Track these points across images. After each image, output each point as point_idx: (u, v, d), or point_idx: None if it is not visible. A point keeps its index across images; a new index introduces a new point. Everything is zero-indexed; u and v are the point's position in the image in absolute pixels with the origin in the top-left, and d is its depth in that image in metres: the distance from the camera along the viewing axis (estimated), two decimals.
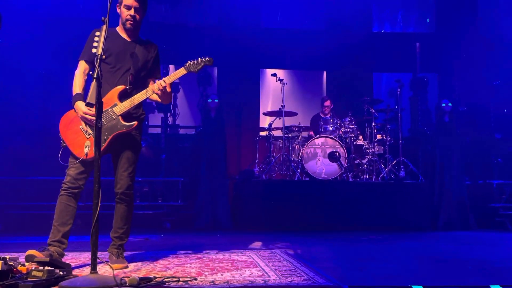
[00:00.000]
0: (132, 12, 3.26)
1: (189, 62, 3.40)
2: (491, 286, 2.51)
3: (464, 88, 8.57)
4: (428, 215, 6.57)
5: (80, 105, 3.13)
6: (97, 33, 2.95)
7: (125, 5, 3.26)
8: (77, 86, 3.23)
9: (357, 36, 8.86)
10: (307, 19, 9.46)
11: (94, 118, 2.78)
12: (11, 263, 2.54)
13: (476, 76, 8.42)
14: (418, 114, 8.48)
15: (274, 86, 8.25)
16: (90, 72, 3.15)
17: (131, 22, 3.27)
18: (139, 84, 3.33)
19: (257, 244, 4.74)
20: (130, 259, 3.47)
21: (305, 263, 3.38)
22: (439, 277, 3.01)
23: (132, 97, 3.24)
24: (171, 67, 7.95)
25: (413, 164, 7.10)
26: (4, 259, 2.49)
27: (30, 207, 6.40)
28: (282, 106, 7.27)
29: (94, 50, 2.80)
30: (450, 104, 7.06)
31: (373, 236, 5.56)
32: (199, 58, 3.41)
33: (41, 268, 2.58)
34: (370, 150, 7.09)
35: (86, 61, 3.27)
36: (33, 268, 2.58)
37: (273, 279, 2.75)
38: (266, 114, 8.02)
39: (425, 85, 8.59)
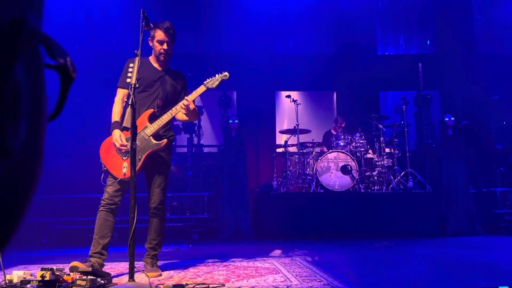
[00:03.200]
0: (164, 46, 3.35)
1: (207, 79, 3.45)
2: (499, 287, 2.46)
3: (465, 103, 8.48)
4: (436, 222, 6.45)
5: (114, 133, 3.20)
6: (131, 64, 3.03)
7: (157, 40, 3.34)
8: (116, 113, 3.30)
9: (363, 58, 8.88)
10: (317, 44, 9.53)
11: (121, 146, 2.89)
12: (58, 273, 2.59)
13: (476, 91, 8.33)
14: (423, 128, 8.40)
15: (289, 106, 8.28)
16: (126, 99, 3.24)
17: (164, 55, 3.37)
18: (167, 109, 3.39)
19: (277, 252, 4.72)
20: (163, 268, 3.49)
21: (323, 269, 3.35)
22: (450, 280, 2.95)
23: (160, 118, 3.31)
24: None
25: (421, 175, 7.01)
26: (51, 270, 2.54)
27: (72, 222, 6.49)
28: (296, 124, 7.29)
29: (128, 80, 2.88)
30: (452, 118, 6.99)
31: (386, 243, 5.48)
32: (216, 75, 3.46)
33: (85, 277, 2.62)
34: (380, 163, 7.03)
35: (124, 87, 3.35)
36: (78, 278, 2.62)
37: (295, 284, 2.73)
38: (282, 132, 8.03)
39: (429, 102, 8.52)
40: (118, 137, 3.17)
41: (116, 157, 3.24)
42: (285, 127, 8.85)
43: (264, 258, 4.08)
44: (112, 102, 3.35)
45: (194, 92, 3.40)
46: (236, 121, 7.04)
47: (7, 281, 2.43)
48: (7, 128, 0.21)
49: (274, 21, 9.05)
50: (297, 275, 3.07)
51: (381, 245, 5.32)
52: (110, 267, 3.52)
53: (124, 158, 3.19)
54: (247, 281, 2.90)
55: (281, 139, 8.58)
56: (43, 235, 6.30)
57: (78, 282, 2.57)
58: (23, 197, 0.25)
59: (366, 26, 9.08)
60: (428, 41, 9.73)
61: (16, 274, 2.52)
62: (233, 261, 3.90)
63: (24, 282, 2.42)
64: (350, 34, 8.98)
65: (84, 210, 6.25)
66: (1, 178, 0.23)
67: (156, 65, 3.44)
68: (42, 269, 2.51)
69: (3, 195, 0.24)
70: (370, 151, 7.33)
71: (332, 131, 7.87)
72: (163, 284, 2.59)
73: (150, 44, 3.42)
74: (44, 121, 0.25)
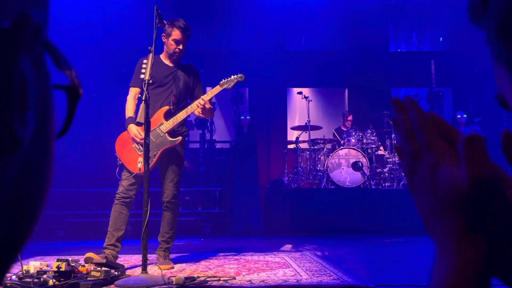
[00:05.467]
0: (180, 46, 3.37)
1: (223, 80, 3.46)
2: None
3: (478, 100, 8.36)
4: None
5: (131, 127, 3.23)
6: (144, 61, 3.05)
7: (174, 39, 3.35)
8: (129, 110, 3.34)
9: (375, 55, 8.81)
10: (329, 41, 9.47)
11: (142, 140, 2.89)
12: (73, 264, 2.63)
13: (489, 87, 8.19)
14: None
15: (300, 103, 8.25)
16: (139, 96, 3.26)
17: (178, 54, 3.39)
18: (181, 104, 3.41)
19: (288, 246, 4.72)
20: (176, 261, 3.52)
21: (333, 264, 3.34)
22: None
23: (176, 116, 3.32)
24: (208, 88, 8.03)
25: None
26: (67, 261, 2.57)
27: (87, 215, 6.57)
28: (308, 121, 7.26)
29: (142, 76, 2.90)
30: (465, 116, 6.89)
31: (396, 239, 5.45)
32: (232, 76, 3.47)
33: (99, 268, 2.65)
34: (391, 160, 6.98)
35: (136, 86, 3.38)
36: (92, 269, 2.66)
37: (305, 279, 2.73)
38: (293, 128, 8.01)
39: (441, 99, 8.43)
40: (136, 131, 3.20)
41: (131, 151, 3.27)
42: (296, 124, 8.82)
43: (274, 253, 4.09)
44: (126, 97, 3.38)
45: (209, 92, 3.41)
46: (248, 117, 7.05)
47: (24, 272, 2.48)
48: (16, 116, 0.22)
49: (286, 18, 9.02)
50: (307, 270, 3.07)
51: (391, 241, 5.29)
52: (124, 259, 3.56)
53: (140, 153, 3.22)
54: (257, 274, 2.91)
55: (292, 135, 8.56)
56: (59, 227, 6.39)
57: (93, 273, 2.60)
58: (38, 191, 0.26)
59: (378, 23, 8.99)
60: (441, 38, 9.60)
61: (33, 265, 2.57)
62: (244, 255, 3.92)
63: (41, 272, 2.47)
64: (362, 31, 8.90)
65: (99, 204, 6.33)
66: (14, 172, 0.24)
67: (167, 61, 3.45)
68: (58, 260, 2.55)
69: (18, 190, 0.24)
70: (381, 147, 7.28)
71: (342, 127, 7.84)
72: (175, 277, 2.61)
73: (164, 40, 3.43)
74: (53, 118, 0.26)
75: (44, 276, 2.40)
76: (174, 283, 2.55)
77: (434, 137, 0.44)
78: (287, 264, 3.36)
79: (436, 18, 9.49)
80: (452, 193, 0.40)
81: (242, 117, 7.08)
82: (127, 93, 3.40)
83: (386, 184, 6.87)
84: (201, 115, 3.40)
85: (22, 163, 0.24)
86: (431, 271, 0.43)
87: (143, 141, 3.13)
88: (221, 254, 4.03)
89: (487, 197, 0.39)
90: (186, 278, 2.60)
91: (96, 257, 2.98)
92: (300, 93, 7.47)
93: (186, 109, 3.35)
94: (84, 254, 3.05)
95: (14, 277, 2.41)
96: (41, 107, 0.25)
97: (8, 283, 2.31)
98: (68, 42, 6.81)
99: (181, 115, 3.33)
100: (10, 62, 0.22)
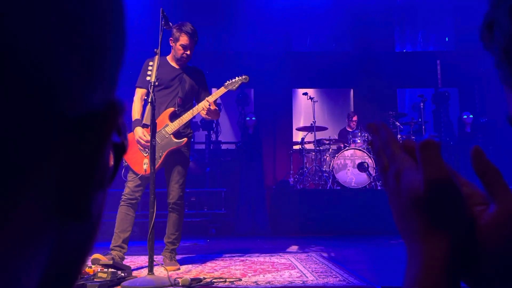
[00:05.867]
0: (188, 52, 3.38)
1: (228, 81, 3.48)
2: None
3: (484, 100, 8.31)
4: None
5: (137, 130, 3.25)
6: (150, 63, 3.06)
7: (181, 45, 3.36)
8: (136, 112, 3.35)
9: (381, 56, 8.77)
10: (334, 42, 9.45)
11: (147, 143, 2.90)
12: None
13: (495, 88, 8.15)
14: (441, 126, 8.27)
15: (305, 103, 8.24)
16: (145, 97, 3.28)
17: (186, 59, 3.41)
18: (187, 106, 3.42)
19: (294, 248, 4.72)
20: (182, 262, 3.53)
21: (339, 265, 3.33)
22: None
23: (181, 117, 3.33)
24: (213, 89, 8.06)
25: None
26: None
27: None
28: (313, 121, 7.25)
29: (148, 78, 2.92)
30: (471, 116, 6.86)
31: (402, 240, 5.41)
32: (236, 77, 3.48)
33: (106, 270, 2.66)
34: None
35: (142, 87, 3.39)
36: (99, 270, 2.67)
37: (311, 280, 2.73)
38: (298, 129, 8.01)
39: (447, 99, 8.38)
40: (142, 134, 3.21)
41: (137, 153, 3.28)
42: (301, 124, 8.81)
43: (280, 254, 4.09)
44: (133, 98, 3.40)
45: (214, 94, 3.42)
46: (253, 118, 7.06)
47: None
48: (93, 196, 0.24)
49: (291, 19, 9.01)
50: (313, 271, 3.06)
51: (397, 242, 5.27)
52: (130, 261, 3.57)
53: (146, 154, 3.23)
54: (263, 276, 2.91)
55: (297, 136, 8.56)
56: None
57: (99, 274, 2.61)
58: (83, 261, 0.28)
59: (384, 23, 8.96)
60: (447, 38, 9.55)
61: None
62: (250, 256, 3.92)
63: None
64: (367, 31, 8.88)
65: (106, 205, 6.33)
66: (74, 240, 0.26)
67: (173, 63, 3.47)
68: None
69: (72, 257, 0.26)
70: None
71: (347, 128, 7.82)
72: (181, 278, 2.62)
73: (171, 44, 3.44)
74: (108, 187, 0.29)
75: None
76: (180, 284, 2.55)
77: (397, 150, 0.48)
78: (293, 265, 3.36)
79: (442, 18, 9.45)
80: (412, 196, 0.44)
81: (248, 118, 7.09)
82: (133, 94, 3.42)
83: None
84: (206, 116, 3.41)
85: (82, 232, 0.27)
86: (404, 274, 0.46)
87: (147, 143, 3.15)
88: (227, 255, 4.03)
89: (444, 195, 0.42)
90: (192, 279, 2.61)
91: (103, 258, 3.00)
92: (305, 94, 7.46)
93: (191, 110, 3.36)
94: (90, 256, 3.07)
95: None
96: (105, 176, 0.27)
97: None
98: None
99: (186, 117, 3.34)
100: (99, 150, 0.24)
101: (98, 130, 0.24)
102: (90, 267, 2.75)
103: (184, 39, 3.35)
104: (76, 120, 0.23)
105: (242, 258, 3.79)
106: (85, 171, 0.23)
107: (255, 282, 2.68)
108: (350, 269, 3.10)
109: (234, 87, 3.48)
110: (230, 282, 2.67)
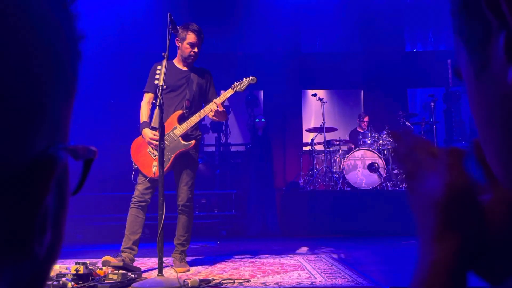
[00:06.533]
0: (195, 49, 3.41)
1: (235, 83, 3.50)
2: None
3: None
4: None
5: (147, 132, 3.29)
6: (158, 67, 3.10)
7: (188, 43, 3.39)
8: (144, 115, 3.39)
9: (391, 56, 8.72)
10: (344, 43, 9.42)
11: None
12: (91, 267, 2.68)
13: None
14: (453, 125, 8.20)
15: (315, 105, 8.23)
16: (153, 101, 3.31)
17: (193, 57, 3.43)
18: (195, 108, 3.45)
19: (304, 249, 4.72)
20: (191, 263, 3.55)
21: (348, 266, 3.33)
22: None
23: (189, 120, 3.36)
24: (222, 91, 8.09)
25: None
26: (85, 264, 2.63)
27: (105, 219, 6.67)
28: (323, 122, 7.24)
29: (156, 82, 2.95)
30: None
31: (413, 241, 5.37)
32: (244, 78, 3.50)
33: (116, 271, 2.70)
34: None
35: (150, 92, 3.43)
36: (109, 272, 2.71)
37: (319, 281, 2.74)
38: (308, 130, 8.00)
39: (458, 98, 8.30)
40: (152, 135, 3.24)
41: (146, 156, 3.32)
42: (311, 126, 8.80)
43: (290, 255, 4.09)
44: (140, 102, 3.44)
45: (222, 95, 3.45)
46: (263, 120, 7.07)
47: None
48: (37, 241, 0.26)
49: (301, 20, 9.01)
50: (322, 272, 3.07)
51: (408, 243, 5.23)
52: (141, 262, 3.61)
53: (155, 157, 3.27)
54: (272, 277, 2.92)
55: (307, 137, 8.55)
56: (78, 231, 6.50)
57: (110, 276, 2.65)
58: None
59: (394, 22, 8.91)
60: None
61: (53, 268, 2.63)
62: (259, 258, 3.93)
63: (60, 275, 2.52)
64: (377, 31, 8.84)
65: (116, 207, 6.42)
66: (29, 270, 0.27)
67: (180, 65, 3.50)
68: (76, 263, 2.61)
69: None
70: None
71: (358, 129, 7.79)
72: (190, 279, 2.65)
73: (178, 45, 3.47)
74: (65, 219, 0.30)
75: (63, 279, 2.46)
76: (189, 285, 2.58)
77: (424, 155, 0.50)
78: (302, 266, 3.36)
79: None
80: (432, 198, 0.47)
81: (257, 120, 7.10)
82: (141, 99, 3.46)
83: (403, 185, 6.80)
84: (214, 118, 3.44)
85: (31, 271, 0.28)
86: (413, 272, 0.48)
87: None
88: (236, 256, 4.05)
89: (461, 200, 0.45)
90: (201, 281, 2.63)
91: (114, 260, 3.04)
92: (314, 95, 7.45)
93: (199, 112, 3.39)
94: (101, 257, 3.11)
95: None
96: (56, 217, 0.29)
97: None
98: (85, 50, 6.91)
99: (194, 119, 3.37)
100: (39, 196, 0.25)
101: (39, 179, 0.25)
102: (101, 268, 2.79)
103: (191, 37, 3.38)
104: (19, 168, 0.24)
105: (251, 260, 3.81)
106: (26, 215, 0.25)
107: (264, 283, 2.69)
108: (360, 270, 3.10)
109: (242, 89, 3.50)
110: (238, 283, 2.69)
